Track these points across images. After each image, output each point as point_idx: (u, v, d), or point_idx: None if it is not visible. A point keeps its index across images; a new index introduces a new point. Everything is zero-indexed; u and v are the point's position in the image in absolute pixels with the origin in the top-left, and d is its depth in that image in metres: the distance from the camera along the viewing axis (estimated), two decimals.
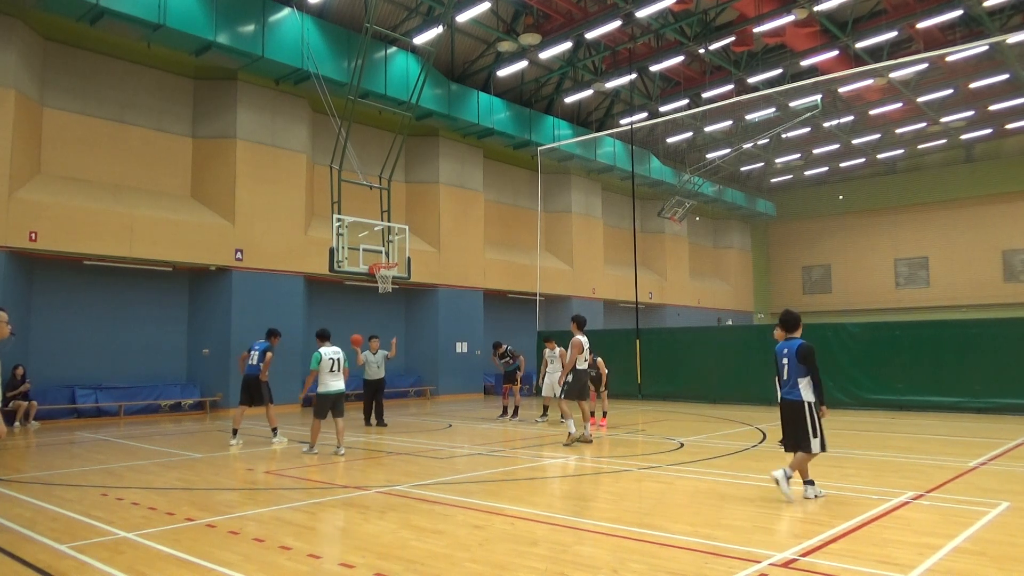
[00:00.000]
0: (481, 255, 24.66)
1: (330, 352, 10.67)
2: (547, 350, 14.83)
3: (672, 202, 29.63)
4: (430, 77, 20.05)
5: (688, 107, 26.64)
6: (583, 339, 11.33)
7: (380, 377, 14.93)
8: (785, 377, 7.14)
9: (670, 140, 31.49)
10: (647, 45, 23.91)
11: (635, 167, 25.80)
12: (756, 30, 21.79)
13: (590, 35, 21.20)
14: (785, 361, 7.11)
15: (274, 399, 12.14)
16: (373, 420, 14.84)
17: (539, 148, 23.64)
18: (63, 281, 16.71)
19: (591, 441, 11.49)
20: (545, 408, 15.48)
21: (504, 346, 16.03)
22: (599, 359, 13.98)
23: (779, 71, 24.72)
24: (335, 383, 10.64)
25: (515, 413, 15.82)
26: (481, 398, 23.31)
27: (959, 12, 20.07)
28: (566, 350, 12.01)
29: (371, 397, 14.92)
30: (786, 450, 7.24)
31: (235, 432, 11.73)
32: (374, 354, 14.88)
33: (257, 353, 11.79)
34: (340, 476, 8.79)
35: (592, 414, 12.72)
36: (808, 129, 31.72)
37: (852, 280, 40.20)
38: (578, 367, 11.31)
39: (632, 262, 24.11)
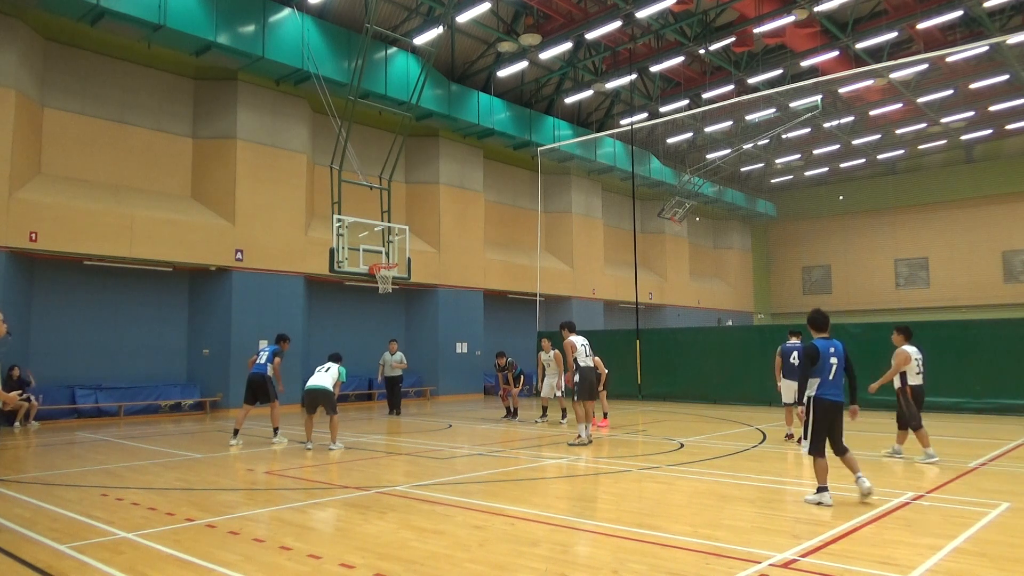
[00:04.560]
0: (481, 255, 24.66)
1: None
2: (543, 353, 14.92)
3: (672, 202, 29.62)
4: (430, 77, 20.05)
5: (688, 107, 26.63)
6: (576, 339, 11.43)
7: (397, 375, 17.35)
8: (831, 377, 6.98)
9: (670, 141, 31.48)
10: (647, 45, 23.91)
11: (635, 168, 25.80)
12: (756, 31, 21.78)
13: (590, 35, 21.18)
14: (835, 361, 6.98)
15: (279, 398, 12.20)
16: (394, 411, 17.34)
17: (539, 148, 23.64)
18: (63, 281, 16.70)
19: (591, 441, 11.49)
20: (544, 409, 15.50)
21: (506, 358, 16.08)
22: (597, 359, 13.98)
23: (779, 71, 24.71)
24: (310, 381, 11.36)
25: (515, 414, 15.87)
26: (481, 398, 23.30)
27: (959, 13, 20.06)
28: (560, 352, 12.21)
29: (390, 391, 17.43)
30: (842, 453, 7.01)
31: (236, 432, 11.78)
32: (392, 355, 17.18)
33: (266, 354, 11.88)
34: (340, 476, 8.79)
35: (592, 414, 12.72)
36: (808, 129, 31.71)
37: (852, 280, 40.19)
38: (582, 364, 11.34)
39: (632, 262, 24.11)
